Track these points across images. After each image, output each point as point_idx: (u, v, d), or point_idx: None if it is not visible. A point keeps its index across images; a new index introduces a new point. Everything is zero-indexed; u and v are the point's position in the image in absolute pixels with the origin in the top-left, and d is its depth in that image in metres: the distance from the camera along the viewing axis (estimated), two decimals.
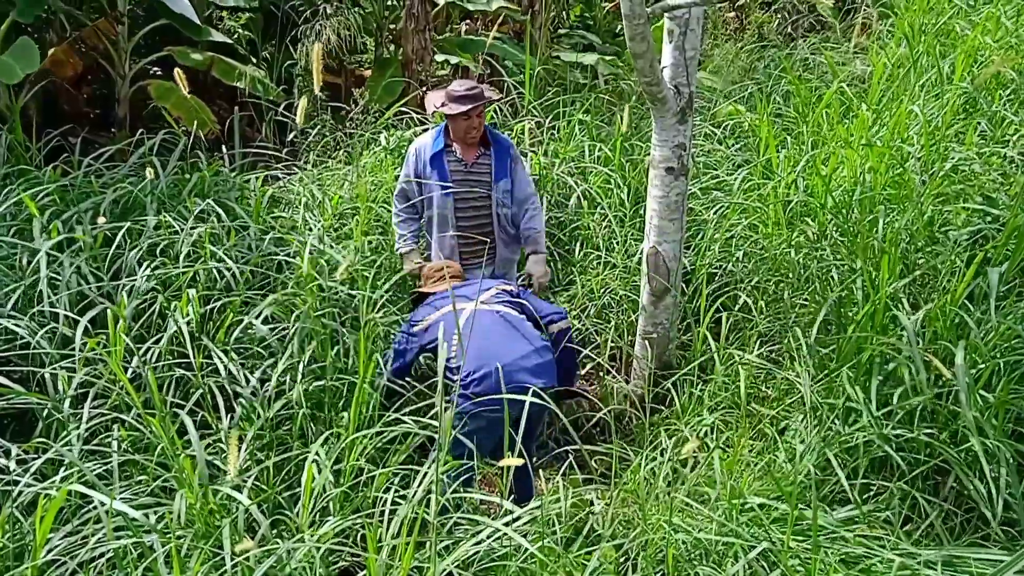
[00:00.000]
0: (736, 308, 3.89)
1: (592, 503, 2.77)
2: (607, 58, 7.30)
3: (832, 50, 6.69)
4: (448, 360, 3.07)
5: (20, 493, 2.52)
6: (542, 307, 3.54)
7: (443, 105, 3.97)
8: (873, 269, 3.28)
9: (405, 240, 4.17)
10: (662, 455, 3.11)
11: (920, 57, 4.75)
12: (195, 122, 5.66)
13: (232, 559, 2.22)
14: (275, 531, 2.53)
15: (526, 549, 2.31)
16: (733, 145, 5.33)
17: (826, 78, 5.92)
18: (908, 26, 5.04)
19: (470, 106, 3.88)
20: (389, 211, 4.82)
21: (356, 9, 7.43)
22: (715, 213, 4.49)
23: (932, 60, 4.64)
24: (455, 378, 3.08)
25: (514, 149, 4.16)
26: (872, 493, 2.82)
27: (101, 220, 3.82)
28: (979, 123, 4.06)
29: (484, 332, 3.19)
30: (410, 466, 2.74)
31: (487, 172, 4.04)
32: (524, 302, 3.48)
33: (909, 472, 2.75)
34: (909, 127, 4.17)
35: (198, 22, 6.57)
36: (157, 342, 3.17)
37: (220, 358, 3.08)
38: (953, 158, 3.84)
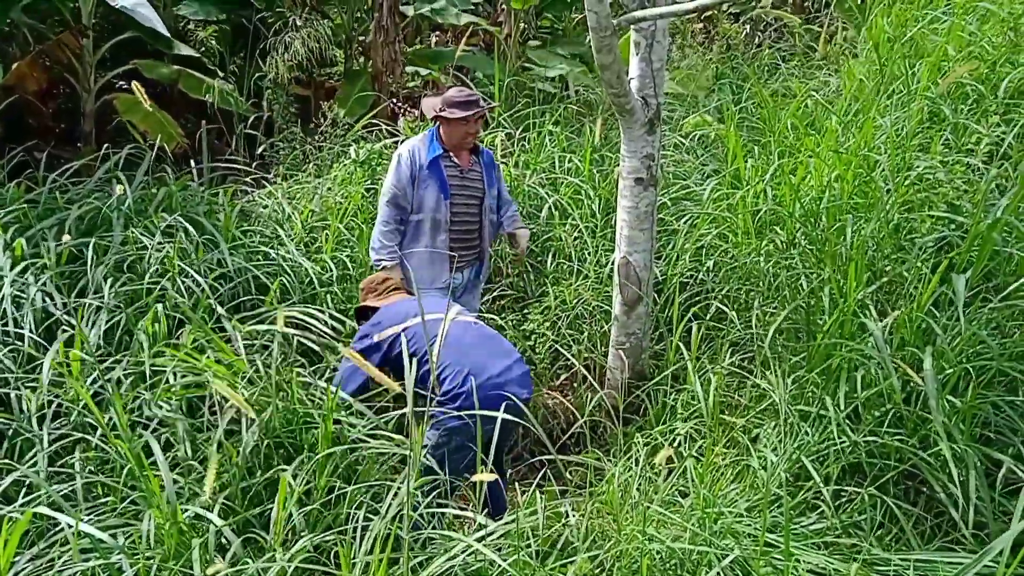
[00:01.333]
0: (708, 317, 3.91)
1: (567, 515, 2.76)
2: (576, 69, 7.34)
3: (798, 63, 6.77)
4: (422, 372, 3.02)
5: None
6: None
7: (442, 110, 4.01)
8: (841, 277, 3.31)
9: (390, 253, 4.05)
10: (636, 465, 3.12)
11: (887, 68, 4.82)
12: (161, 136, 5.61)
13: None
14: (247, 550, 2.50)
15: (499, 564, 2.30)
16: (702, 155, 5.37)
17: (791, 88, 6.00)
18: (875, 37, 5.11)
19: (471, 112, 3.97)
20: (359, 225, 4.81)
21: (325, 21, 7.41)
22: (685, 223, 4.52)
23: (899, 71, 4.71)
24: (433, 391, 3.02)
25: (494, 159, 4.37)
26: (844, 499, 2.84)
27: (66, 238, 3.75)
28: (944, 132, 4.12)
29: (465, 343, 3.13)
30: (383, 481, 2.72)
31: (480, 179, 4.16)
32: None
33: (880, 478, 2.78)
34: (876, 137, 4.22)
35: (167, 34, 6.52)
36: (119, 361, 3.12)
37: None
38: (918, 167, 3.89)
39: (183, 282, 3.70)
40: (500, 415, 2.68)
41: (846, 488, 2.83)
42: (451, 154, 4.09)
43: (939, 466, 2.71)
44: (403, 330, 3.14)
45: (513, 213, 4.42)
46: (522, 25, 8.02)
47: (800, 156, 4.40)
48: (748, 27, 8.85)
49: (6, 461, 2.74)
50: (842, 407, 2.90)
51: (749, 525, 2.68)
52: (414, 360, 3.01)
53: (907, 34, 4.93)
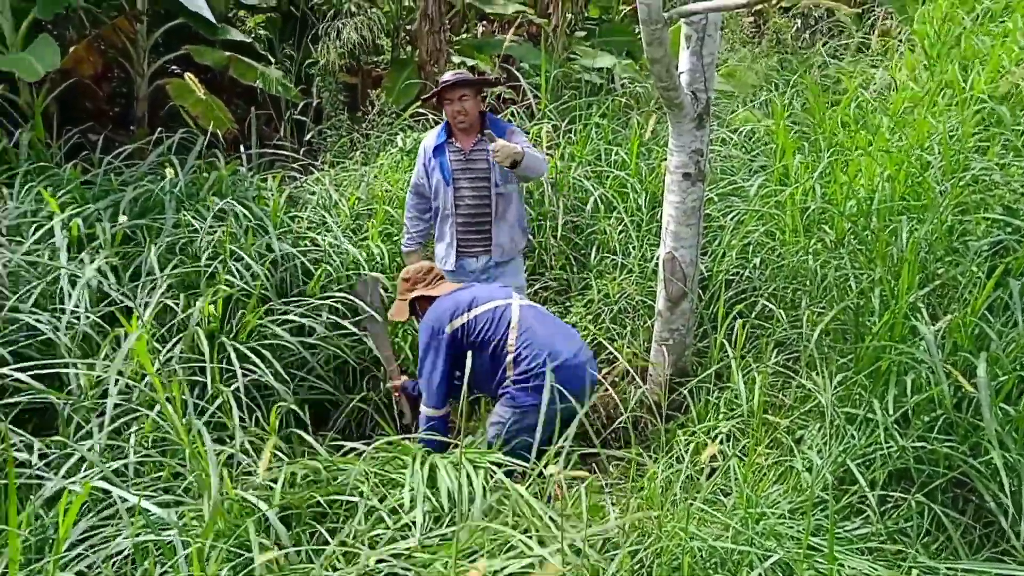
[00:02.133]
0: (753, 315, 3.88)
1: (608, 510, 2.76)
2: (624, 61, 7.29)
3: (851, 60, 6.66)
4: (498, 355, 3.20)
5: (43, 487, 2.54)
6: None
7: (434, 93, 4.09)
8: (892, 278, 3.27)
9: (411, 239, 4.31)
10: (678, 462, 3.11)
11: (936, 66, 4.73)
12: (212, 121, 5.69)
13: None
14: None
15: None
16: (750, 151, 5.31)
17: (842, 84, 5.90)
18: (926, 37, 5.02)
19: (443, 85, 3.96)
20: (402, 214, 4.86)
21: (373, 10, 7.45)
22: (732, 219, 4.47)
23: (951, 72, 4.62)
24: (505, 371, 3.17)
25: (512, 129, 4.10)
26: (890, 505, 2.80)
27: (123, 219, 3.83)
28: (1002, 134, 4.03)
29: (537, 326, 3.26)
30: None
31: (485, 159, 4.05)
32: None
33: (928, 484, 2.74)
34: (929, 137, 4.15)
35: (214, 21, 6.59)
36: (176, 342, 3.19)
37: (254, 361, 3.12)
38: (974, 168, 3.82)
39: (234, 266, 3.76)
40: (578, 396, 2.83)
41: (892, 494, 2.79)
42: (454, 139, 4.10)
43: (990, 475, 2.67)
44: (474, 317, 3.27)
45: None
46: (570, 16, 7.99)
47: (851, 154, 4.34)
48: (799, 21, 8.72)
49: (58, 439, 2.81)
50: (891, 411, 2.86)
51: (792, 528, 2.66)
52: (491, 345, 3.24)
53: (955, 32, 4.83)
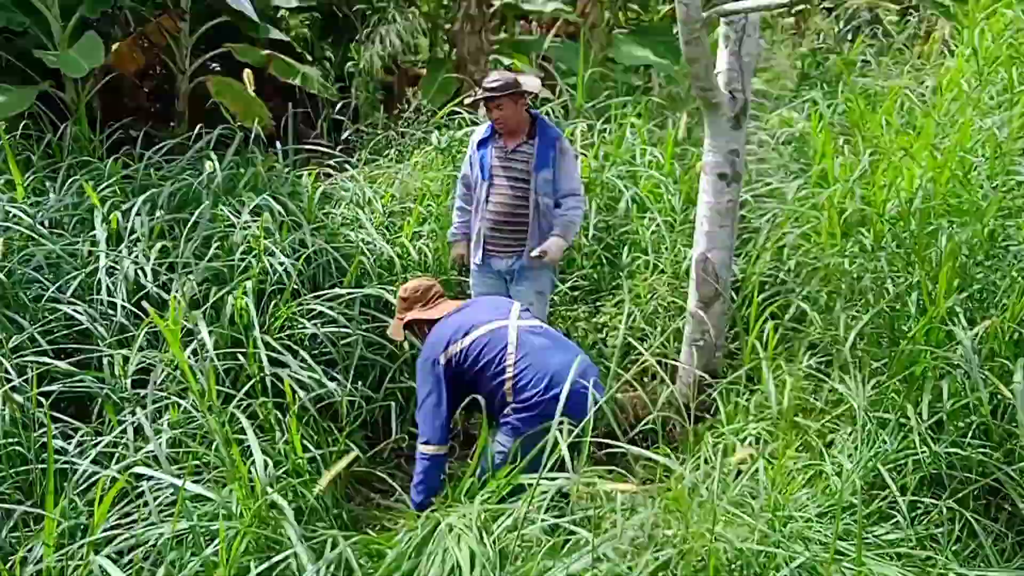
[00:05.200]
0: (786, 318, 3.84)
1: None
2: (661, 61, 7.25)
3: (892, 59, 6.56)
4: (496, 381, 3.03)
5: (77, 473, 2.60)
6: None
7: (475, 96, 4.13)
8: (930, 282, 3.21)
9: (456, 229, 4.32)
10: (706, 463, 3.08)
11: (984, 69, 4.64)
12: (253, 118, 5.77)
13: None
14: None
15: None
16: (787, 152, 5.25)
17: (885, 86, 5.81)
18: (974, 39, 4.92)
19: (485, 96, 3.95)
20: (436, 212, 4.90)
21: (411, 8, 7.50)
22: (767, 221, 4.43)
23: (995, 74, 4.53)
24: (505, 398, 3.00)
25: (563, 142, 4.09)
26: (920, 511, 2.76)
27: (160, 213, 3.89)
28: None
29: (537, 348, 3.07)
30: None
31: (527, 160, 4.02)
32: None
33: (959, 491, 2.69)
34: (973, 139, 4.07)
35: (257, 19, 6.69)
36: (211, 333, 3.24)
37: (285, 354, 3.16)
38: (1019, 172, 3.74)
39: (268, 261, 3.81)
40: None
41: (923, 499, 2.74)
42: (499, 135, 4.10)
43: None
44: (470, 343, 3.09)
45: (564, 213, 4.05)
46: (608, 15, 7.97)
47: (892, 156, 4.27)
48: (841, 23, 8.59)
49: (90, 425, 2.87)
50: (925, 416, 2.81)
51: (819, 531, 2.62)
52: (489, 368, 3.05)
53: (1005, 36, 4.73)
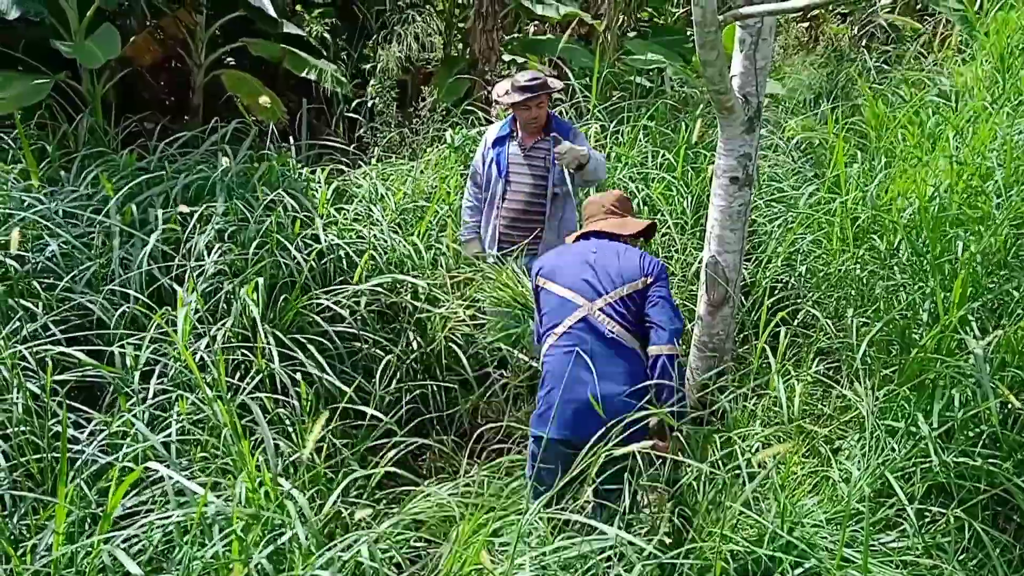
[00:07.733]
0: (795, 323, 3.83)
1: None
2: (675, 64, 7.25)
3: (908, 65, 6.53)
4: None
5: (86, 463, 2.61)
6: None
7: (506, 94, 4.09)
8: (943, 290, 3.20)
9: (468, 229, 4.35)
10: (713, 467, 3.08)
11: (1004, 76, 4.61)
12: (265, 113, 5.79)
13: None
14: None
15: None
16: (800, 158, 5.25)
17: (900, 92, 5.79)
18: (993, 45, 4.89)
19: (527, 96, 3.98)
20: (447, 211, 4.90)
21: (427, 6, 7.51)
22: (778, 226, 4.42)
23: (1013, 79, 4.51)
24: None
25: (575, 131, 4.18)
26: (928, 520, 2.75)
27: (183, 208, 3.88)
28: None
29: (571, 362, 2.90)
30: None
31: (544, 157, 4.08)
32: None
33: (968, 500, 2.68)
34: (989, 147, 4.05)
35: (274, 14, 6.71)
36: (222, 326, 3.25)
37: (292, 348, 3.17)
38: None
39: (280, 255, 3.82)
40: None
41: (931, 508, 2.74)
42: (517, 133, 4.13)
43: None
44: (541, 289, 3.15)
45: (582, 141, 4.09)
46: (622, 17, 7.96)
47: (907, 163, 4.26)
48: (856, 29, 8.57)
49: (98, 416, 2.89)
50: (934, 424, 2.81)
51: (825, 538, 2.62)
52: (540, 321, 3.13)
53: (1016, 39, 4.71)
